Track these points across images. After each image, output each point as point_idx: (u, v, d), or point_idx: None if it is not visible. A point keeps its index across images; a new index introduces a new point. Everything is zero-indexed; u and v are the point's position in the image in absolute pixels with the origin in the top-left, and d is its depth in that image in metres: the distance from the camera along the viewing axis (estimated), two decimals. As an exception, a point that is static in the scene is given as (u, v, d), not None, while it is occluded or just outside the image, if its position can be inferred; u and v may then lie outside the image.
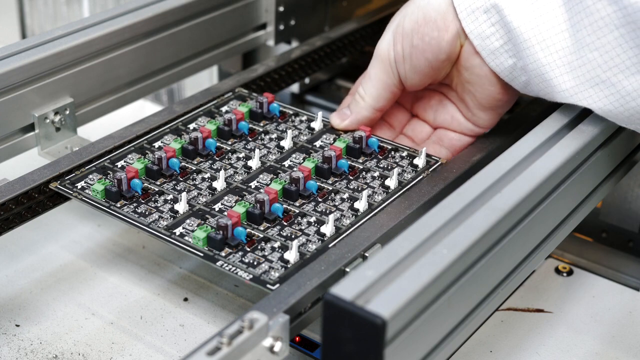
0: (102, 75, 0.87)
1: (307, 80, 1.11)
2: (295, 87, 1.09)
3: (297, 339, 0.75)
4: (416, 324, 0.53)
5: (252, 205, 0.70)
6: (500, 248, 0.60)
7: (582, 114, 0.72)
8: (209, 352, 0.53)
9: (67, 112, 0.84)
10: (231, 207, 0.71)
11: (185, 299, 0.82)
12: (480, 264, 0.58)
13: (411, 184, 0.74)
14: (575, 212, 0.71)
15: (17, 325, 0.78)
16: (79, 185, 0.74)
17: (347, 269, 0.65)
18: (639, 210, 0.88)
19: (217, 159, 0.77)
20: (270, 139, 0.80)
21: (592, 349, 0.78)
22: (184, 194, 0.71)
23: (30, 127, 0.82)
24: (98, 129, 0.89)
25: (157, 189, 0.73)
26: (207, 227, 0.68)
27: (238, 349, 0.54)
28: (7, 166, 0.81)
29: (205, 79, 1.12)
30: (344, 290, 0.52)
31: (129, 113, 0.96)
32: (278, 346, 0.57)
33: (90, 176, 0.75)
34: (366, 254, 0.66)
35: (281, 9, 1.02)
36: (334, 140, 0.79)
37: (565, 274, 0.87)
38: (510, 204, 0.60)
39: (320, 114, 0.81)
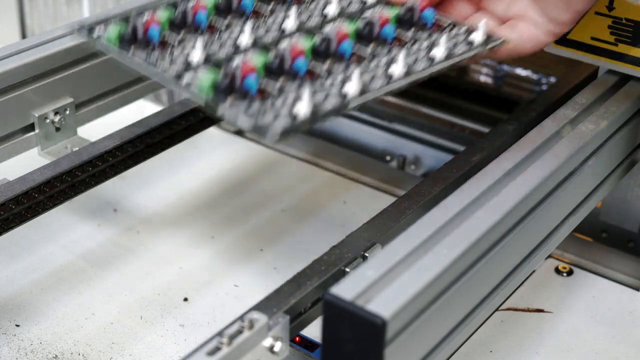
0: (102, 75, 0.87)
1: (307, 80, 1.11)
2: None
3: (297, 339, 0.75)
4: (416, 324, 0.53)
5: (272, 59, 0.62)
6: (500, 248, 0.60)
7: (582, 114, 0.72)
8: (209, 352, 0.53)
9: (67, 112, 0.84)
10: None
11: (185, 299, 0.82)
12: (480, 264, 0.58)
13: (461, 58, 0.67)
14: (575, 212, 0.71)
15: (17, 325, 0.78)
16: (97, 32, 0.68)
17: (347, 269, 0.65)
18: (639, 210, 0.88)
19: (253, 18, 0.70)
20: (317, 5, 0.72)
21: (592, 349, 0.78)
22: (199, 42, 0.63)
23: (30, 127, 0.82)
24: (98, 129, 0.89)
25: (178, 40, 0.66)
26: (214, 71, 0.61)
27: (238, 349, 0.54)
28: (7, 166, 0.81)
29: (205, 79, 1.12)
30: (344, 290, 0.52)
31: (129, 113, 0.96)
32: (278, 346, 0.57)
33: (112, 25, 0.68)
34: (366, 254, 0.66)
35: (281, 8, 1.02)
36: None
37: (565, 274, 0.87)
38: (510, 204, 0.60)
39: None
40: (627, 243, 0.90)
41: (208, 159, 1.05)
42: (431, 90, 1.16)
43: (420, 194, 0.73)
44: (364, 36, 0.67)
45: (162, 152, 0.84)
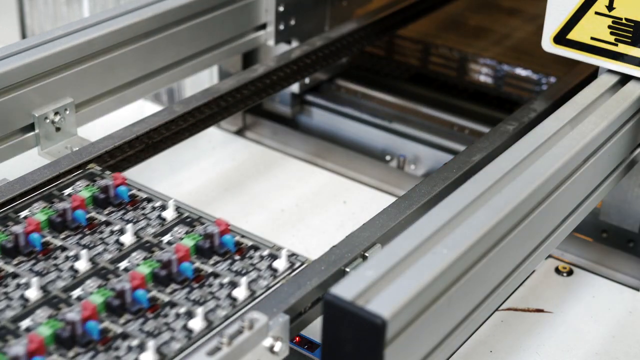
0: (102, 75, 0.87)
1: (307, 80, 1.11)
2: (295, 87, 1.09)
3: (297, 339, 0.75)
4: (416, 324, 0.53)
5: (62, 325, 0.55)
6: (500, 248, 0.60)
7: (582, 114, 0.72)
8: (209, 352, 0.53)
9: (67, 112, 0.84)
10: (37, 327, 0.56)
11: (185, 299, 0.82)
12: (480, 264, 0.58)
13: (264, 294, 0.61)
14: (575, 212, 0.71)
15: (17, 325, 0.77)
16: None
17: (347, 269, 0.65)
18: (639, 210, 0.88)
19: (42, 258, 0.62)
20: (112, 232, 0.66)
21: (592, 349, 0.78)
22: None
23: (30, 127, 0.82)
24: (98, 129, 0.89)
25: None
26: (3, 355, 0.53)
27: (238, 349, 0.54)
28: (7, 166, 0.81)
29: (205, 79, 1.12)
30: (344, 290, 0.52)
31: (129, 113, 0.96)
32: (278, 346, 0.57)
33: None
34: (366, 254, 0.66)
35: (281, 9, 1.02)
36: (187, 233, 0.66)
37: (565, 274, 0.87)
38: (511, 204, 0.60)
39: (172, 202, 0.69)
40: (627, 243, 0.90)
41: (208, 159, 1.05)
42: (431, 90, 1.17)
43: (420, 194, 0.73)
44: (161, 278, 0.60)
45: (162, 152, 0.84)
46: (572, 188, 0.69)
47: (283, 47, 1.05)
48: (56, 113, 0.83)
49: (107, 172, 0.73)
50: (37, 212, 0.66)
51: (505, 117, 0.86)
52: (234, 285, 0.61)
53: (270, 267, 0.63)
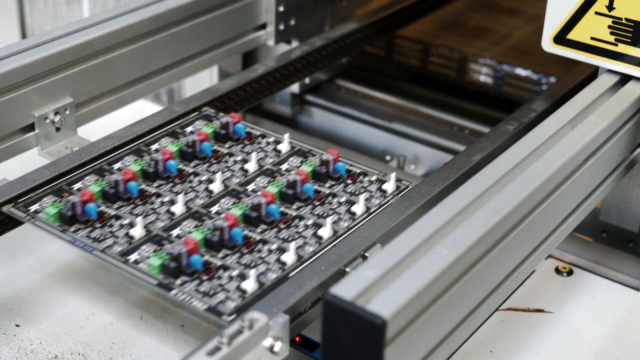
0: (102, 75, 0.87)
1: (307, 80, 1.11)
2: (295, 87, 1.09)
3: (297, 339, 0.75)
4: (416, 324, 0.53)
5: (210, 231, 0.66)
6: (500, 248, 0.60)
7: (582, 114, 0.72)
8: (209, 352, 0.53)
9: (67, 112, 0.84)
10: (190, 232, 0.67)
11: (185, 299, 0.82)
12: (480, 264, 0.58)
13: (379, 210, 0.71)
14: (575, 212, 0.72)
15: (17, 325, 0.78)
16: (33, 208, 0.70)
17: (347, 269, 0.65)
18: (639, 210, 0.88)
19: (179, 182, 0.74)
20: (235, 161, 0.76)
21: (592, 349, 0.78)
22: (139, 219, 0.67)
23: (30, 127, 0.82)
24: (98, 129, 0.89)
25: (113, 213, 0.69)
26: (162, 254, 0.64)
27: (238, 349, 0.54)
28: (7, 166, 0.81)
29: (205, 79, 1.13)
30: (344, 290, 0.52)
31: (129, 113, 0.96)
32: (278, 346, 0.57)
33: (46, 198, 0.71)
34: (366, 254, 0.66)
35: (281, 9, 1.02)
36: (301, 163, 0.76)
37: (565, 274, 0.87)
38: (511, 204, 0.60)
39: (287, 135, 0.79)
40: (627, 243, 0.90)
41: (208, 159, 1.05)
42: (431, 90, 1.17)
43: (420, 194, 0.73)
44: (288, 196, 0.71)
45: (162, 152, 0.84)
46: (572, 188, 0.69)
47: (283, 47, 1.05)
48: (56, 113, 0.83)
49: (221, 114, 0.83)
50: (168, 145, 0.78)
51: (505, 117, 0.86)
52: (351, 203, 0.71)
53: (379, 189, 0.73)
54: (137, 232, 0.67)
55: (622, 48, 0.76)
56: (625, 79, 0.77)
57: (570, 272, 0.87)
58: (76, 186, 0.73)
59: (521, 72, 1.14)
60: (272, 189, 0.71)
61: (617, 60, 0.77)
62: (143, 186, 0.73)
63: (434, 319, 0.55)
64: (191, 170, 0.75)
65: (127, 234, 0.67)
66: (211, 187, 0.73)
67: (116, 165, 0.76)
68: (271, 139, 0.80)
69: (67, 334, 0.77)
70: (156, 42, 0.90)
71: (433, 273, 0.54)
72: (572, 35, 0.78)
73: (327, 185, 0.74)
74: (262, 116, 1.13)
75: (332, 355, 0.53)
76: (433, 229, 0.58)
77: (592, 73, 0.86)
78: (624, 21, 0.75)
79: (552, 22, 0.79)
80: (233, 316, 0.60)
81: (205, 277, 0.63)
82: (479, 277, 0.59)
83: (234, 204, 0.71)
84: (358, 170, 0.75)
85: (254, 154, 0.76)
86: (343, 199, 0.72)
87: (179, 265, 0.63)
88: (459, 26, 1.28)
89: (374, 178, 0.74)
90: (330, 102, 1.11)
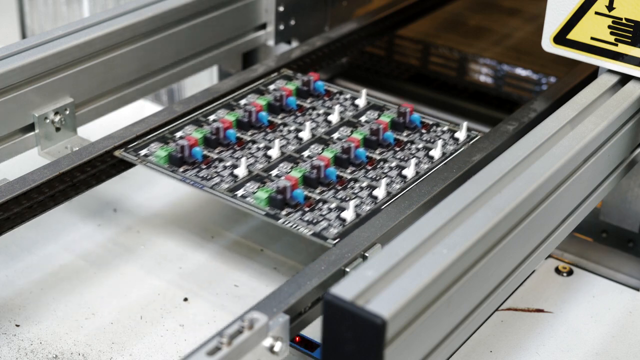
0: (102, 75, 0.87)
1: (307, 80, 1.11)
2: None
3: (297, 339, 0.75)
4: (416, 324, 0.53)
5: (308, 170, 0.75)
6: (500, 248, 0.60)
7: (582, 114, 0.72)
8: (209, 352, 0.53)
9: (67, 112, 0.84)
10: (287, 173, 0.76)
11: (185, 299, 0.82)
12: (480, 264, 0.58)
13: (453, 155, 0.79)
14: (575, 212, 0.71)
15: (17, 325, 0.78)
16: (142, 152, 0.79)
17: (347, 269, 0.65)
18: (639, 210, 0.88)
19: (270, 131, 0.82)
20: (318, 114, 0.85)
21: (592, 349, 0.78)
22: (243, 159, 0.76)
23: (30, 127, 0.82)
24: (98, 129, 0.89)
25: (216, 157, 0.78)
26: (268, 188, 0.73)
27: (238, 349, 0.54)
28: (7, 166, 0.81)
29: (205, 79, 1.13)
30: (344, 290, 0.52)
31: (129, 113, 0.96)
32: (278, 346, 0.57)
33: (152, 145, 0.79)
34: (366, 254, 0.66)
35: (281, 9, 1.02)
36: (379, 115, 0.85)
37: (565, 274, 0.87)
38: (511, 204, 0.60)
39: (364, 91, 0.87)
40: (627, 243, 0.90)
41: (208, 159, 1.05)
42: (431, 90, 1.17)
43: (420, 194, 0.73)
44: (372, 142, 0.80)
45: (162, 152, 0.84)
46: (572, 188, 0.69)
47: (283, 47, 1.05)
48: (56, 113, 0.83)
49: (299, 74, 0.92)
50: (256, 99, 0.86)
51: (505, 117, 0.86)
52: (427, 149, 0.79)
53: (452, 137, 0.81)
54: (241, 171, 0.76)
55: (622, 48, 0.76)
56: (625, 79, 0.77)
57: (570, 272, 0.87)
58: (178, 134, 0.81)
59: (521, 72, 1.14)
60: (357, 136, 0.80)
61: (617, 60, 0.77)
62: (239, 134, 0.81)
63: (434, 319, 0.55)
64: (280, 122, 0.84)
65: (231, 174, 0.76)
66: (301, 135, 0.81)
67: (211, 117, 0.84)
68: (348, 95, 0.89)
69: (67, 334, 0.77)
70: (156, 42, 0.91)
71: (433, 273, 0.53)
72: (572, 35, 0.78)
73: (404, 134, 0.82)
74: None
75: (332, 355, 0.53)
76: (433, 229, 0.58)
77: (592, 73, 0.86)
78: (624, 21, 0.75)
79: (552, 22, 0.79)
80: (337, 240, 0.68)
81: (307, 209, 0.72)
82: (479, 277, 0.59)
83: (322, 149, 0.80)
84: (431, 122, 0.84)
85: (336, 107, 0.85)
86: (420, 146, 0.80)
87: (283, 198, 0.72)
88: (459, 26, 1.28)
89: (445, 128, 0.83)
90: (330, 102, 1.11)
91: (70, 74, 0.84)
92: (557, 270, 0.88)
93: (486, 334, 0.79)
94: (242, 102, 0.87)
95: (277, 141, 0.79)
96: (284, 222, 0.70)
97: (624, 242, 0.90)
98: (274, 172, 0.76)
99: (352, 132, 0.82)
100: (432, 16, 1.22)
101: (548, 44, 0.80)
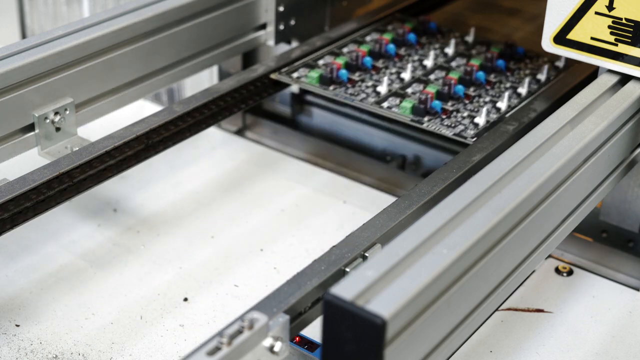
0: (102, 75, 0.87)
1: (307, 80, 1.11)
2: (295, 87, 1.09)
3: (297, 339, 0.75)
4: (416, 324, 0.53)
5: (440, 87, 0.89)
6: (500, 248, 0.60)
7: (582, 114, 0.72)
8: (209, 352, 0.53)
9: (67, 112, 0.84)
10: (421, 90, 0.89)
11: (185, 299, 0.82)
12: (480, 264, 0.58)
13: (540, 91, 0.91)
14: (575, 212, 0.71)
15: (17, 325, 0.78)
16: (295, 75, 0.92)
17: (347, 269, 0.65)
18: (639, 210, 0.88)
19: (397, 61, 0.97)
20: (434, 48, 0.99)
21: (592, 349, 0.78)
22: (385, 78, 0.90)
23: (30, 127, 0.82)
24: (98, 129, 0.89)
25: (358, 78, 0.92)
26: (411, 100, 0.87)
27: (238, 349, 0.54)
28: (7, 166, 0.81)
29: (205, 79, 1.13)
30: (344, 290, 0.52)
31: (129, 113, 0.96)
32: (278, 346, 0.57)
33: (300, 70, 0.93)
34: (366, 254, 0.66)
35: (281, 9, 1.02)
36: (467, 60, 0.97)
37: (565, 274, 0.87)
38: (511, 204, 0.60)
39: (453, 42, 0.99)
40: (627, 243, 0.90)
41: (208, 159, 1.05)
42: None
43: (420, 194, 0.73)
44: (466, 81, 0.92)
45: (162, 152, 0.84)
46: (572, 188, 0.69)
47: (283, 47, 1.05)
48: (56, 113, 0.83)
49: (390, 26, 1.05)
50: (381, 35, 1.01)
51: (504, 117, 0.86)
52: (514, 88, 0.92)
53: (534, 78, 0.94)
54: (384, 88, 0.90)
55: (622, 48, 0.76)
56: (625, 79, 0.77)
57: (570, 272, 0.87)
58: (321, 62, 0.95)
59: (521, 72, 1.14)
60: (454, 75, 0.92)
61: (617, 60, 0.77)
62: (373, 63, 0.95)
63: (434, 319, 0.55)
64: (404, 53, 0.98)
65: (374, 91, 0.90)
66: (424, 62, 0.96)
67: (345, 49, 0.98)
68: (437, 45, 1.01)
69: (67, 334, 0.77)
70: (156, 42, 0.90)
71: (433, 273, 0.54)
72: (572, 35, 0.78)
73: (492, 76, 0.94)
74: (262, 116, 1.13)
75: (332, 355, 0.53)
76: (433, 229, 0.58)
77: (592, 73, 0.86)
78: (624, 21, 0.75)
79: (552, 22, 0.79)
80: (474, 139, 0.81)
81: (444, 117, 0.85)
82: (479, 277, 0.59)
83: (446, 72, 0.93)
84: (514, 67, 0.96)
85: (431, 52, 0.97)
86: (507, 85, 0.92)
87: (425, 107, 0.85)
88: (459, 26, 1.28)
89: (527, 71, 0.95)
90: (330, 102, 1.11)
91: (70, 74, 0.84)
92: (557, 270, 0.87)
93: (486, 334, 0.79)
94: (367, 38, 1.01)
95: (409, 65, 0.93)
96: (427, 126, 0.84)
97: (624, 242, 0.90)
98: (409, 90, 0.90)
99: (468, 60, 0.96)
100: (432, 16, 1.22)
101: (548, 44, 0.80)
